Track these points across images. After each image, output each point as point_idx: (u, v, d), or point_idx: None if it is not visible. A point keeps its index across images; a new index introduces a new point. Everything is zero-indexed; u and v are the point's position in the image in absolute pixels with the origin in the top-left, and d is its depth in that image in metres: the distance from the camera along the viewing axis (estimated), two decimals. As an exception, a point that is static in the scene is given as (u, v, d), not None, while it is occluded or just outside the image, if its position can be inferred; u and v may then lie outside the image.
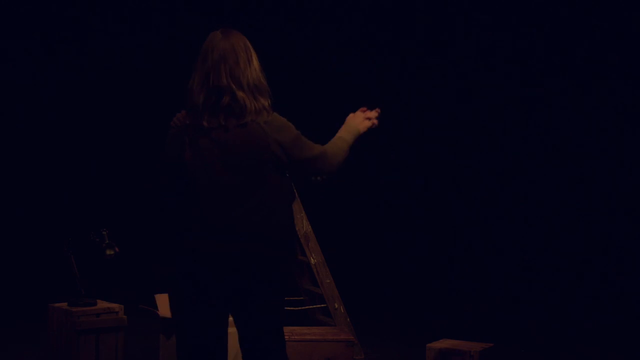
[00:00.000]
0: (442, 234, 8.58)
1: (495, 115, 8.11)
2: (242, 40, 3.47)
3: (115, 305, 5.49)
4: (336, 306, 6.20)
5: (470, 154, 8.36)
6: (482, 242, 8.24)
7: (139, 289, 7.10)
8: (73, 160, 9.13)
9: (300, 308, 6.41)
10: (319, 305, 6.36)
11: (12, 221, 8.78)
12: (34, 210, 8.93)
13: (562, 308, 7.42)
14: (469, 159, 8.37)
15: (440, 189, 8.60)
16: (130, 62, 9.18)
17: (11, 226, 8.77)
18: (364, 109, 3.78)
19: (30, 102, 8.93)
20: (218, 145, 3.38)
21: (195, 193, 3.38)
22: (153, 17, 9.13)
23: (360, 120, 3.74)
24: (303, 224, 6.12)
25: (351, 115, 3.77)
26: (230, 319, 3.55)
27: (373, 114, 3.77)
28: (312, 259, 6.18)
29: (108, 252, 5.47)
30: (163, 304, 5.37)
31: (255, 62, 3.47)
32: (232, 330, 3.57)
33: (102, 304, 5.49)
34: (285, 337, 3.61)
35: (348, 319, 6.23)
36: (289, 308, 3.63)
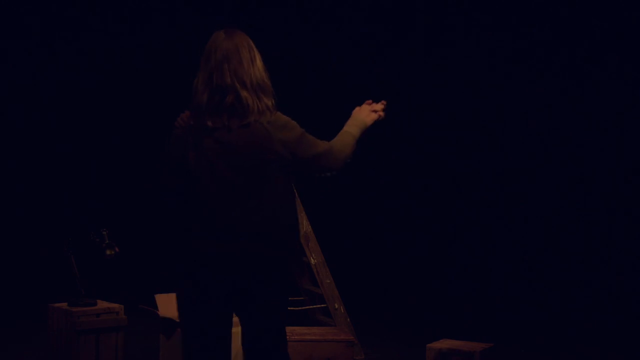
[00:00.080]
0: (442, 234, 8.58)
1: (495, 115, 8.11)
2: (245, 40, 3.47)
3: (115, 305, 5.49)
4: (336, 306, 6.20)
5: (470, 154, 8.35)
6: (482, 242, 8.23)
7: (139, 289, 7.10)
8: (73, 160, 9.13)
9: (300, 308, 6.41)
10: (319, 305, 6.36)
11: (12, 221, 8.78)
12: (34, 210, 8.93)
13: (562, 308, 7.41)
14: (469, 159, 8.36)
15: (440, 189, 8.60)
16: (130, 62, 9.18)
17: (11, 226, 8.77)
18: (370, 101, 3.77)
19: (30, 102, 8.93)
20: (221, 146, 3.38)
21: (198, 193, 3.38)
22: (153, 17, 9.13)
23: (366, 113, 3.73)
24: (303, 224, 6.12)
25: (357, 108, 3.76)
26: (235, 318, 3.55)
27: (379, 106, 3.77)
28: (312, 259, 6.18)
29: (108, 252, 5.47)
30: (163, 304, 5.37)
31: (258, 62, 3.47)
32: (235, 330, 3.57)
33: (102, 304, 5.49)
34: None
35: (348, 319, 6.23)
36: (289, 308, 3.62)
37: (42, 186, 9.01)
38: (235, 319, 3.55)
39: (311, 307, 6.44)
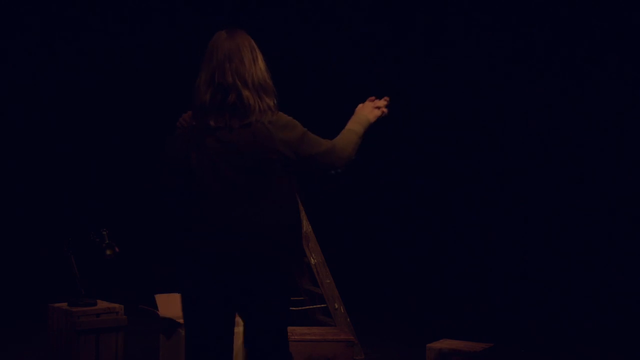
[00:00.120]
0: (442, 234, 8.58)
1: (495, 115, 8.11)
2: (247, 40, 3.47)
3: (115, 305, 5.49)
4: (336, 306, 6.20)
5: (470, 154, 8.35)
6: (482, 242, 8.23)
7: (139, 289, 7.10)
8: (73, 160, 9.13)
9: (300, 308, 6.41)
10: (319, 305, 6.36)
11: (12, 221, 8.78)
12: (34, 210, 8.93)
13: (562, 308, 7.41)
14: (469, 159, 8.36)
15: (440, 189, 8.60)
16: (130, 62, 9.18)
17: (11, 226, 8.77)
18: (373, 98, 3.76)
19: (30, 102, 8.93)
20: (223, 145, 3.38)
21: (200, 193, 3.38)
22: (153, 17, 9.13)
23: (369, 110, 3.72)
24: (303, 224, 6.12)
25: (360, 105, 3.75)
26: (237, 318, 3.55)
27: (382, 102, 3.76)
28: (312, 259, 6.18)
29: (108, 252, 5.47)
30: (163, 304, 5.37)
31: (260, 61, 3.46)
32: (237, 330, 3.57)
33: (102, 304, 5.49)
34: (285, 337, 3.61)
35: (348, 319, 6.23)
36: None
37: (42, 186, 9.01)
38: (238, 319, 3.55)
39: (311, 307, 6.44)
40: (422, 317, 7.67)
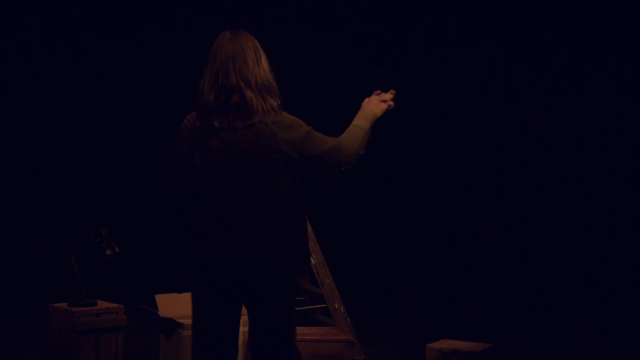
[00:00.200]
0: (442, 234, 8.57)
1: (495, 115, 8.10)
2: (250, 41, 3.47)
3: (115, 305, 5.49)
4: (336, 306, 6.20)
5: (470, 154, 8.35)
6: (482, 242, 8.23)
7: (139, 289, 7.10)
8: (73, 160, 9.13)
9: (300, 308, 6.41)
10: (319, 305, 6.36)
11: (12, 221, 8.78)
12: (34, 210, 8.92)
13: (562, 308, 7.41)
14: (469, 159, 8.36)
15: (440, 189, 8.59)
16: (130, 62, 9.17)
17: (11, 226, 8.77)
18: (379, 92, 3.75)
19: (30, 102, 8.93)
20: (226, 146, 3.38)
21: (203, 193, 3.39)
22: (153, 17, 9.12)
23: (375, 104, 3.70)
24: (304, 224, 6.12)
25: (366, 100, 3.74)
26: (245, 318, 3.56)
27: (388, 95, 3.74)
28: (312, 259, 6.18)
29: (108, 252, 5.47)
30: (163, 304, 5.37)
31: (264, 62, 3.47)
32: (240, 330, 3.58)
33: (102, 304, 5.49)
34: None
35: (348, 319, 6.23)
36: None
37: (42, 186, 9.00)
38: (245, 319, 3.56)
39: (311, 307, 6.44)
40: (422, 317, 7.67)
